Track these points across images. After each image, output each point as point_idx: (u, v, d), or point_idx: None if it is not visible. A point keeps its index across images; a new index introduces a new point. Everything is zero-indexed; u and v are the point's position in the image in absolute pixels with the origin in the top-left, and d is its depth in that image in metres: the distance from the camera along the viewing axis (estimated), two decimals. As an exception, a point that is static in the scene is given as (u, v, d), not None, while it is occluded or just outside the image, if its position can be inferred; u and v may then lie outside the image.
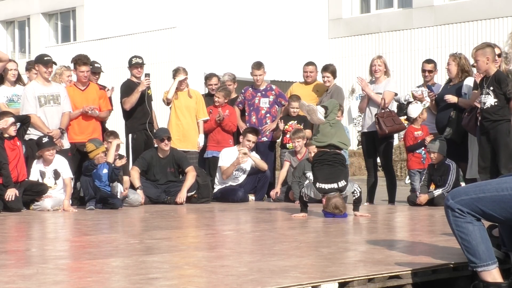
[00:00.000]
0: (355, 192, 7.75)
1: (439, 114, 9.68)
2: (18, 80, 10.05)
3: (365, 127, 10.14)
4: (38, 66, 9.69)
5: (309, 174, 9.86)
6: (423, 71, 10.34)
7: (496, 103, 8.46)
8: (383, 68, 10.11)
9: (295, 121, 10.87)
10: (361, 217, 7.67)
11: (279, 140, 11.40)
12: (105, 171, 9.27)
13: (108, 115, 10.51)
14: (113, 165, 9.44)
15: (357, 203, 7.86)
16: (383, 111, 9.78)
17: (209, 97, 11.44)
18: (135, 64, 10.68)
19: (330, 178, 7.60)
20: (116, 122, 11.49)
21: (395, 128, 9.83)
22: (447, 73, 9.69)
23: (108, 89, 10.80)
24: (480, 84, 8.71)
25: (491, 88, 8.48)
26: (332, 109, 7.74)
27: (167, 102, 10.87)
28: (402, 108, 10.58)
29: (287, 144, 10.94)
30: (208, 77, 11.71)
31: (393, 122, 9.74)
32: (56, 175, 9.29)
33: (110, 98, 10.64)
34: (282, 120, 10.96)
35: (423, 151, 10.10)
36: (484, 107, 8.53)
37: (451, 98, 9.31)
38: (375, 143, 10.01)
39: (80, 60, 10.03)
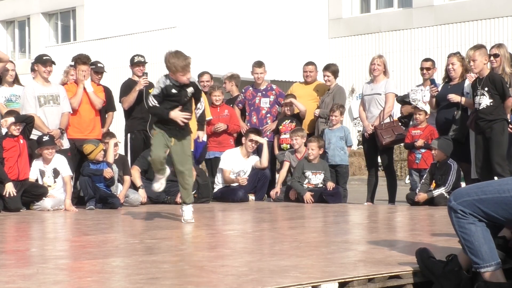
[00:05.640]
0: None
1: (440, 113, 9.63)
2: (16, 80, 10.05)
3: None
4: (37, 66, 9.71)
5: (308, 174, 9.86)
6: (421, 69, 10.33)
7: (491, 103, 8.56)
8: (382, 68, 10.10)
9: (289, 121, 10.84)
10: None
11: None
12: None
13: (101, 105, 10.36)
14: (113, 164, 9.48)
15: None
16: (381, 123, 9.75)
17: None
18: (137, 63, 10.67)
19: None
20: (116, 122, 11.48)
21: (395, 139, 9.76)
22: (451, 73, 9.54)
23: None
24: (474, 86, 8.77)
25: (486, 89, 8.56)
26: None
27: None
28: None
29: (281, 145, 10.92)
30: (200, 75, 11.62)
31: (392, 132, 9.70)
32: (56, 174, 9.29)
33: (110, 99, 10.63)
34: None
35: (418, 151, 10.00)
36: (480, 108, 8.62)
37: (455, 97, 9.28)
38: (376, 143, 9.99)
39: (79, 60, 10.06)
